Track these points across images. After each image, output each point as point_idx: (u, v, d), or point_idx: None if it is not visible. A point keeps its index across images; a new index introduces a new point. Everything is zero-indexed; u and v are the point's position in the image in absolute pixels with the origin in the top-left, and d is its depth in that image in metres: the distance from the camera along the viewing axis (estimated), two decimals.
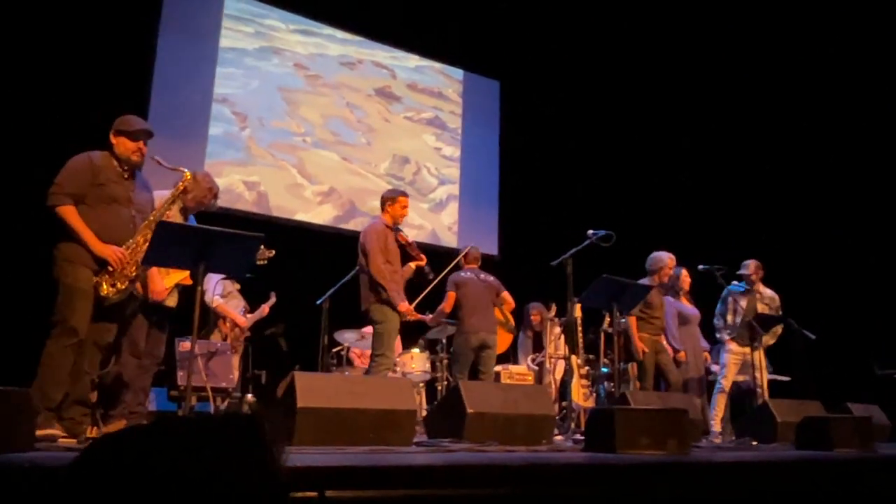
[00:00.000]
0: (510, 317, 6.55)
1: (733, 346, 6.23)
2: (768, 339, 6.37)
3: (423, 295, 6.09)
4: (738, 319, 6.28)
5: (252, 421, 0.67)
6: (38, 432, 2.97)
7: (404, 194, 5.32)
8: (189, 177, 3.86)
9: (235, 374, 5.56)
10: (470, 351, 5.83)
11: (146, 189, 3.80)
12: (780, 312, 6.37)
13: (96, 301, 3.44)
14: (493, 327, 5.97)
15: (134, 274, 3.56)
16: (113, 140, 3.64)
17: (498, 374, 6.86)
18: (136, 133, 3.64)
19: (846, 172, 8.37)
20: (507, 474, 2.23)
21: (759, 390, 6.15)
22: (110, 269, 3.46)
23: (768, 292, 6.44)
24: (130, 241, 3.55)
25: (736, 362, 6.22)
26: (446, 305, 6.00)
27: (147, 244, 3.48)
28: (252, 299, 6.06)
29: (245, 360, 5.89)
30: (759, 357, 6.22)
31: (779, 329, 6.40)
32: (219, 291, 5.68)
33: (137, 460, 0.61)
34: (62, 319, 3.35)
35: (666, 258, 6.19)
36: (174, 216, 3.98)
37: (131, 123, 3.68)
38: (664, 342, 6.12)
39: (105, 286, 3.45)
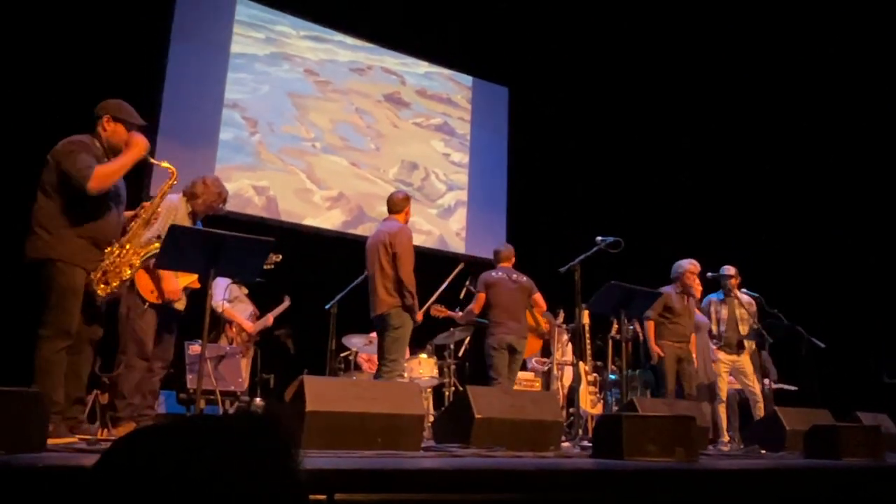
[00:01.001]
0: (542, 320, 6.39)
1: (721, 354, 6.24)
2: (751, 344, 6.35)
3: (432, 300, 6.11)
4: (722, 328, 6.30)
5: (271, 421, 0.68)
6: (54, 441, 2.97)
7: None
8: (176, 174, 3.70)
9: (245, 378, 5.58)
10: (503, 350, 5.71)
11: (123, 184, 3.65)
12: (760, 316, 6.36)
13: (85, 299, 3.38)
14: (524, 332, 5.85)
15: (128, 274, 3.50)
16: (107, 125, 3.46)
17: None
18: (136, 125, 3.53)
19: (858, 179, 8.35)
20: (514, 480, 2.24)
21: (753, 398, 6.14)
22: (104, 268, 3.40)
23: (745, 298, 6.44)
24: (124, 238, 3.51)
25: (726, 370, 6.23)
26: (475, 306, 5.89)
27: (140, 242, 3.52)
28: (265, 303, 6.08)
29: (254, 364, 5.91)
30: (747, 364, 6.23)
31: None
32: (226, 296, 5.71)
33: (161, 459, 0.62)
34: (56, 321, 3.26)
35: (686, 263, 6.19)
36: (182, 220, 4.00)
37: (132, 113, 3.53)
38: (690, 351, 6.07)
39: (100, 285, 3.39)
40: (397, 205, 5.16)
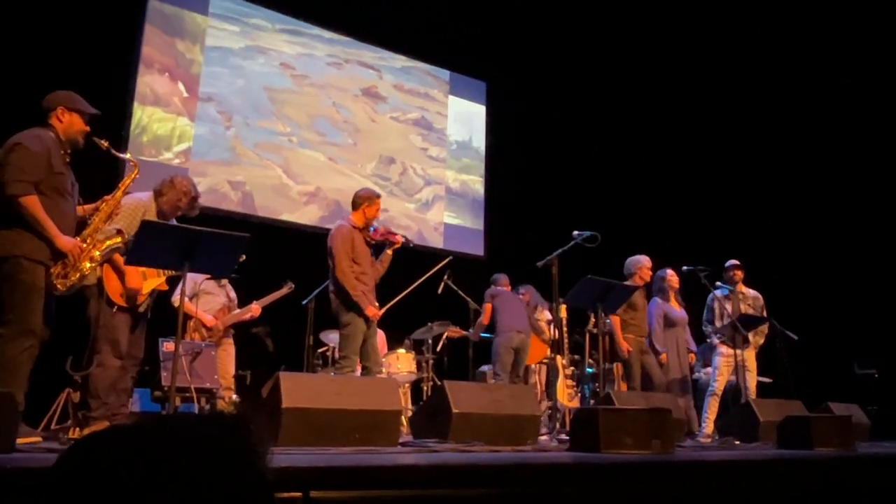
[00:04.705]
0: (546, 327, 6.79)
1: (724, 349, 6.26)
2: (758, 339, 6.41)
3: (395, 300, 6.09)
4: (726, 322, 6.32)
5: (238, 421, 0.67)
6: (21, 440, 2.92)
7: (379, 196, 5.23)
8: (138, 167, 3.72)
9: (229, 373, 5.50)
10: (511, 350, 6.17)
11: (73, 176, 3.57)
12: (765, 312, 6.42)
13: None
14: (529, 332, 6.36)
15: (87, 269, 3.45)
16: (62, 117, 3.40)
17: (484, 374, 6.88)
18: (91, 115, 3.47)
19: (827, 174, 8.47)
20: (492, 474, 2.24)
21: (746, 391, 6.20)
22: (64, 261, 3.34)
23: (751, 293, 6.51)
24: (84, 232, 3.48)
25: (728, 364, 6.25)
26: (484, 318, 6.37)
27: (101, 237, 3.48)
28: (260, 292, 5.93)
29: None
30: (750, 358, 6.26)
31: (765, 328, 6.45)
32: (186, 291, 5.53)
33: (122, 460, 0.61)
34: (19, 320, 3.18)
35: (643, 259, 6.24)
36: (151, 216, 3.92)
37: (84, 102, 3.47)
38: (647, 343, 6.17)
39: (59, 279, 3.34)
40: (354, 202, 5.14)
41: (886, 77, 8.22)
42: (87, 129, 3.49)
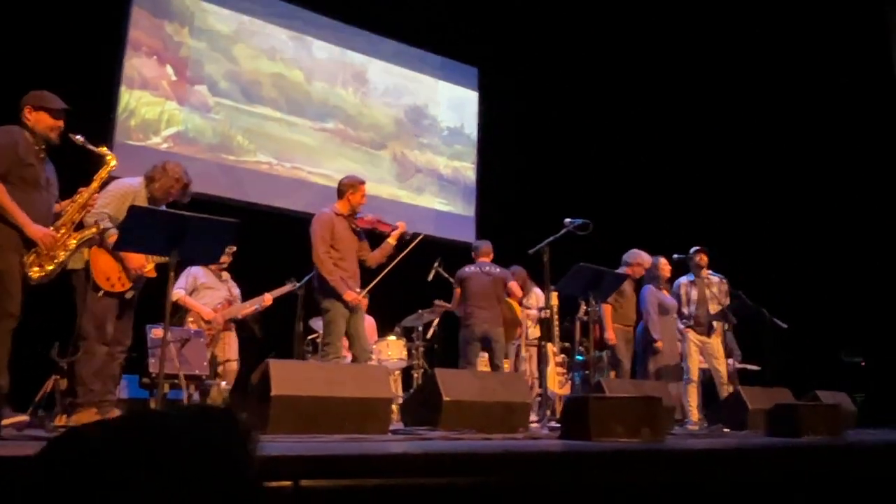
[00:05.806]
0: (517, 308, 6.59)
1: (691, 334, 6.35)
2: (721, 326, 6.47)
3: (372, 284, 6.05)
4: (692, 309, 6.38)
5: (225, 413, 0.65)
6: (6, 421, 2.91)
7: (363, 182, 5.19)
8: (114, 161, 3.74)
9: (224, 362, 5.48)
10: (474, 342, 5.97)
11: (54, 171, 3.63)
12: (729, 297, 6.46)
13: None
14: (497, 320, 6.06)
15: (62, 258, 3.49)
16: (29, 115, 3.46)
17: None
18: (59, 111, 3.51)
19: (813, 165, 8.49)
20: (482, 462, 2.23)
21: (719, 378, 6.26)
22: (37, 250, 3.37)
23: (715, 278, 6.55)
24: (58, 222, 3.50)
25: (696, 350, 6.34)
26: (454, 302, 6.23)
27: (74, 228, 3.49)
28: (248, 278, 5.87)
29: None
30: (716, 344, 6.34)
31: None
32: (182, 285, 5.50)
33: (106, 454, 0.59)
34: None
35: (645, 256, 6.28)
36: (141, 202, 3.89)
37: (53, 100, 3.53)
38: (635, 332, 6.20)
39: (33, 268, 3.37)
40: (339, 189, 5.13)
41: (869, 67, 8.24)
42: (58, 123, 3.50)
